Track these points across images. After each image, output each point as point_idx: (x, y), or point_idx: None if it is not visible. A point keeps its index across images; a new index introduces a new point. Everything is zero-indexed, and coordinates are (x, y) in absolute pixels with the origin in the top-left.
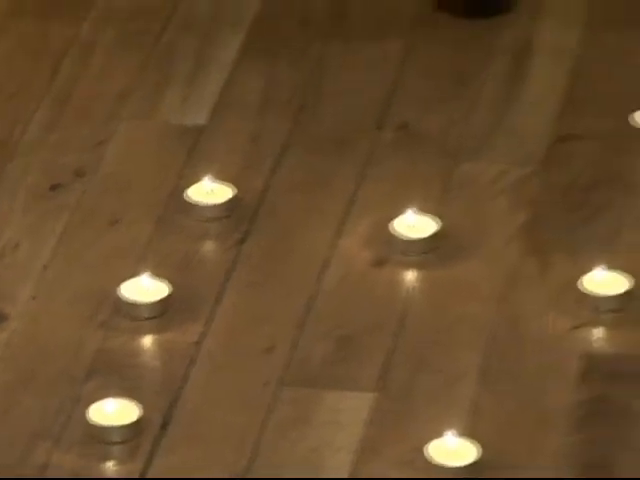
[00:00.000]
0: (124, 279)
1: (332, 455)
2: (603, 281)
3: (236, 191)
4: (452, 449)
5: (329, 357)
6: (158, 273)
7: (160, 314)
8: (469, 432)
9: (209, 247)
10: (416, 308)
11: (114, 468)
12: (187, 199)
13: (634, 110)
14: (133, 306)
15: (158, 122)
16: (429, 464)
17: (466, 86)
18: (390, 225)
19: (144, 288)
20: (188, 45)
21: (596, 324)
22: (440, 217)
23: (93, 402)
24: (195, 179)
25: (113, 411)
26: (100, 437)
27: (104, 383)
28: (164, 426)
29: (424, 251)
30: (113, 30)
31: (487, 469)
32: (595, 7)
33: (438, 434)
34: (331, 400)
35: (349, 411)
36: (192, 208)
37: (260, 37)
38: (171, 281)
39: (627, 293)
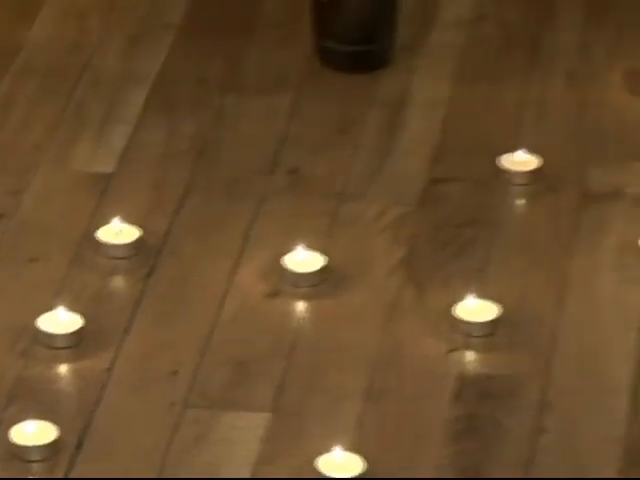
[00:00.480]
0: (42, 312)
1: (231, 469)
2: (474, 309)
3: (142, 232)
4: (339, 463)
5: (228, 380)
6: (72, 307)
7: (75, 344)
8: (355, 447)
9: (118, 282)
10: (306, 335)
11: None
12: (98, 239)
13: (500, 155)
14: (50, 337)
15: (71, 170)
16: (319, 477)
17: (349, 134)
18: (282, 260)
19: (60, 320)
20: (98, 100)
21: (468, 348)
22: (327, 253)
23: (14, 424)
24: (105, 221)
25: (32, 432)
26: (21, 456)
27: (24, 407)
28: (79, 446)
29: (313, 284)
30: (32, 84)
31: None
32: (464, 63)
33: (327, 449)
34: (230, 420)
35: (246, 429)
36: (103, 247)
37: (162, 93)
38: (84, 314)
39: (496, 320)
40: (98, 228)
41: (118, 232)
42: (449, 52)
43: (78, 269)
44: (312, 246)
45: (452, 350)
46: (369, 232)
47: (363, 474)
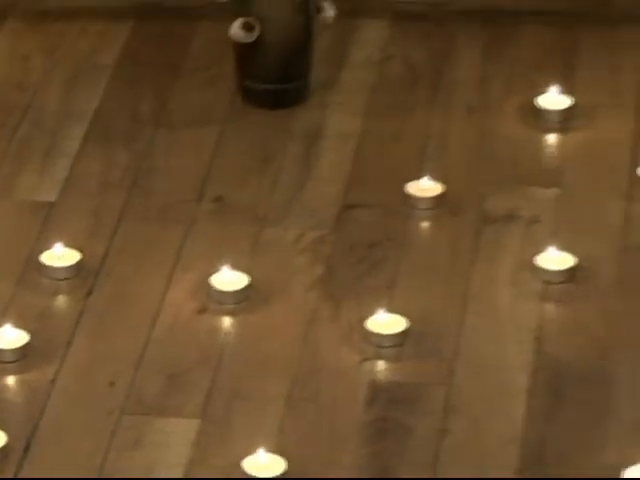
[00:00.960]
0: None
1: (164, 471)
2: (384, 322)
3: (82, 255)
4: (263, 463)
5: (161, 389)
6: (19, 324)
7: (21, 358)
8: (277, 449)
9: (61, 302)
10: (232, 348)
11: None
12: (42, 262)
13: (406, 182)
14: None
15: (17, 199)
16: (245, 476)
17: (269, 165)
18: (209, 280)
19: (7, 337)
20: (41, 135)
21: (379, 358)
22: (250, 272)
23: None
24: (48, 246)
25: None
26: None
27: None
28: (26, 450)
29: (237, 301)
30: None
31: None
32: (373, 99)
33: (252, 451)
34: (163, 425)
35: (178, 434)
36: (46, 270)
37: (99, 128)
38: (30, 330)
39: (404, 332)
40: (42, 252)
41: (60, 256)
42: (360, 89)
43: (24, 290)
44: (237, 267)
45: (365, 360)
46: (289, 253)
47: (285, 474)
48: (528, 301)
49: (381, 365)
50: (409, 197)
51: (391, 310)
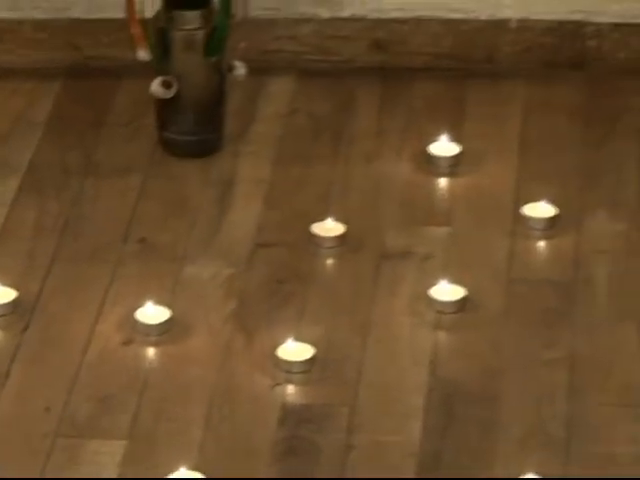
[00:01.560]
0: None
1: None
2: (293, 350)
3: (18, 293)
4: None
5: (92, 414)
6: None
7: None
8: (198, 466)
9: None
10: (156, 375)
11: None
12: None
13: (312, 223)
14: None
15: None
16: None
17: (188, 209)
18: (134, 314)
19: None
20: None
21: (289, 382)
22: (172, 307)
23: None
24: None
25: None
26: None
27: None
28: None
29: (160, 333)
30: None
31: None
32: (281, 148)
33: (174, 469)
34: (94, 447)
35: (108, 454)
36: None
37: (33, 179)
38: None
39: (311, 359)
40: None
41: None
42: (269, 140)
43: None
44: (159, 302)
45: (276, 385)
46: (206, 289)
47: None
48: (423, 329)
49: (291, 389)
50: (314, 237)
51: (299, 339)
